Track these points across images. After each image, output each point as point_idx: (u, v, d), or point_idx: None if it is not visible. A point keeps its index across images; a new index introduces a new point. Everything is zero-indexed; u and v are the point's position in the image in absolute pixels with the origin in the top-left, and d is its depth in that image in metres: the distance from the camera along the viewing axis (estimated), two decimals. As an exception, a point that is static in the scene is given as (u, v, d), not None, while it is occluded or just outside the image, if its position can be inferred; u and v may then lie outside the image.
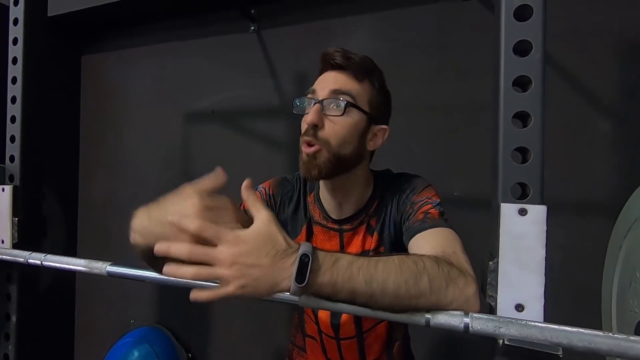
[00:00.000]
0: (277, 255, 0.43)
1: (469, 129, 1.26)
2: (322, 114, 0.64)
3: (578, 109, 1.13)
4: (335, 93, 0.65)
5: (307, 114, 0.66)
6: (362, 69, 0.67)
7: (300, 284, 0.42)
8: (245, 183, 0.47)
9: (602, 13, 1.12)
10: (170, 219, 0.43)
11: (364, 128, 0.68)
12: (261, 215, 0.45)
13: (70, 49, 1.83)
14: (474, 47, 1.24)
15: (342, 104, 0.64)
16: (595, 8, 1.13)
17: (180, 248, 0.42)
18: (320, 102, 0.65)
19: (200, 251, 0.42)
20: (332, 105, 0.65)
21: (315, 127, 0.64)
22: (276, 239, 0.43)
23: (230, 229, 0.43)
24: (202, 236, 0.42)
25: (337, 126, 0.65)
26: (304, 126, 0.67)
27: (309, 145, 0.65)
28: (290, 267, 0.42)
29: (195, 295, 0.43)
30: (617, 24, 1.11)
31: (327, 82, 0.66)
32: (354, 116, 0.66)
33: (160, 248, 0.42)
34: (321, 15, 1.45)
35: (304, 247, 0.43)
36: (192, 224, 0.42)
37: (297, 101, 0.69)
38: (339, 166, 0.66)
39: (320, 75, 0.70)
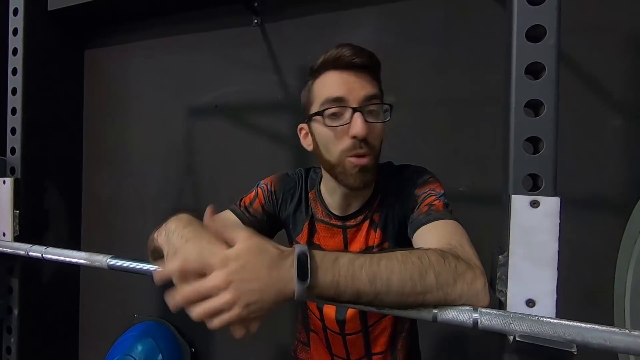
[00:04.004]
0: (272, 263, 0.41)
1: (474, 124, 1.24)
2: (366, 122, 0.60)
3: (588, 103, 1.11)
4: (369, 99, 0.61)
5: (343, 125, 0.61)
6: (378, 68, 0.65)
7: (304, 281, 0.40)
8: (208, 210, 0.49)
9: (613, 6, 1.09)
10: (156, 278, 0.44)
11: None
12: (241, 233, 0.43)
13: (73, 43, 1.82)
14: (480, 40, 1.22)
15: (388, 111, 0.63)
16: (606, 1, 1.10)
17: (174, 299, 0.42)
18: (360, 110, 0.60)
19: (193, 288, 0.41)
20: (372, 112, 0.62)
21: (366, 138, 0.61)
22: (266, 248, 0.42)
23: (215, 252, 0.41)
24: (189, 272, 0.41)
25: (379, 131, 0.63)
26: (344, 138, 0.61)
27: (362, 156, 0.62)
28: (289, 269, 0.41)
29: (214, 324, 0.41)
30: (628, 17, 1.08)
31: (355, 88, 0.61)
32: (387, 119, 0.65)
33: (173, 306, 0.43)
34: (326, 8, 1.43)
35: (299, 248, 0.42)
36: (172, 265, 0.42)
37: (326, 114, 0.62)
38: (377, 168, 0.66)
39: (324, 72, 0.64)
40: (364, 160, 0.62)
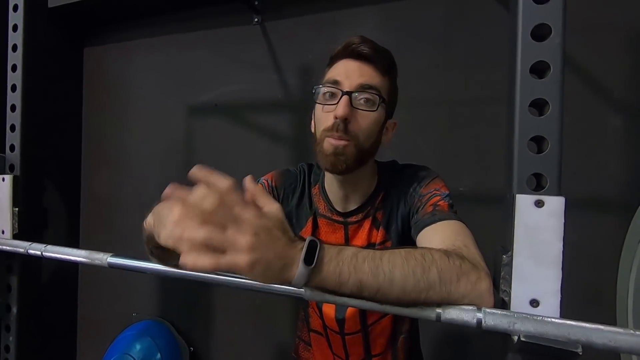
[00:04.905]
0: (288, 241, 0.42)
1: (474, 124, 1.24)
2: (351, 107, 0.62)
3: (588, 102, 1.11)
4: (364, 87, 0.63)
5: (331, 105, 0.63)
6: (387, 64, 0.66)
7: (309, 265, 0.40)
8: (248, 178, 0.46)
9: (613, 5, 1.10)
10: (192, 172, 0.41)
11: (383, 123, 0.67)
12: (274, 204, 0.44)
13: (73, 41, 1.81)
14: (481, 39, 1.22)
15: (377, 100, 0.63)
16: (606, 1, 1.10)
17: (197, 231, 0.38)
18: (349, 94, 0.62)
19: (220, 234, 0.38)
20: (363, 99, 0.63)
21: (346, 120, 0.61)
22: (287, 228, 0.43)
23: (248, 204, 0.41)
24: (228, 198, 0.39)
25: (367, 121, 0.63)
26: (328, 117, 0.63)
27: (339, 138, 0.62)
28: (298, 252, 0.41)
29: (194, 260, 0.38)
30: (628, 16, 1.08)
31: (353, 74, 0.63)
32: (381, 111, 0.65)
33: (173, 232, 0.38)
34: (326, 7, 1.42)
35: (311, 237, 0.43)
36: (223, 182, 0.40)
37: (318, 90, 0.65)
38: (361, 160, 0.65)
39: (336, 61, 0.66)
40: (340, 143, 0.62)
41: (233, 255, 0.38)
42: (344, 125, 0.62)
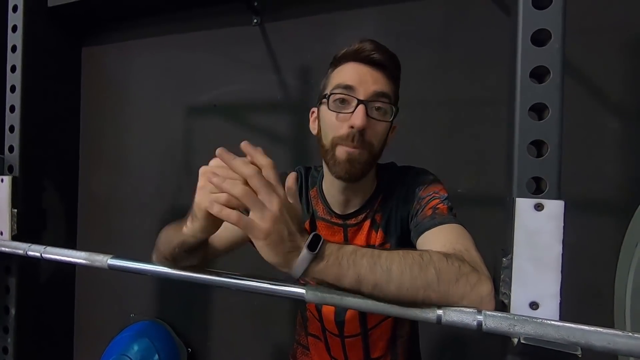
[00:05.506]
0: (298, 229, 0.45)
1: (474, 125, 1.24)
2: (367, 116, 0.61)
3: (586, 105, 1.12)
4: (377, 96, 0.62)
5: (345, 113, 0.62)
6: (396, 70, 0.66)
7: (313, 251, 0.43)
8: (292, 175, 0.50)
9: (611, 8, 1.10)
10: (241, 146, 0.46)
11: (390, 128, 0.67)
12: (299, 204, 0.48)
13: (71, 41, 1.80)
14: (480, 41, 1.22)
15: (390, 109, 0.64)
16: (604, 3, 1.11)
17: (235, 184, 0.42)
18: (365, 103, 0.61)
19: (254, 196, 0.42)
20: (378, 109, 0.63)
21: (363, 131, 0.61)
22: (301, 222, 0.47)
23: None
24: (265, 174, 0.44)
25: (380, 129, 0.64)
26: (342, 126, 0.62)
27: (355, 147, 0.62)
28: (304, 240, 0.44)
29: (220, 207, 0.42)
30: (626, 19, 1.09)
31: (366, 81, 0.62)
32: (390, 119, 0.65)
33: (216, 181, 0.43)
34: (325, 8, 1.42)
35: (314, 232, 0.46)
36: (266, 159, 0.45)
37: (332, 98, 0.63)
38: (371, 166, 0.66)
39: (344, 63, 0.65)
40: (354, 151, 0.62)
41: (257, 218, 0.42)
42: (360, 135, 0.61)
